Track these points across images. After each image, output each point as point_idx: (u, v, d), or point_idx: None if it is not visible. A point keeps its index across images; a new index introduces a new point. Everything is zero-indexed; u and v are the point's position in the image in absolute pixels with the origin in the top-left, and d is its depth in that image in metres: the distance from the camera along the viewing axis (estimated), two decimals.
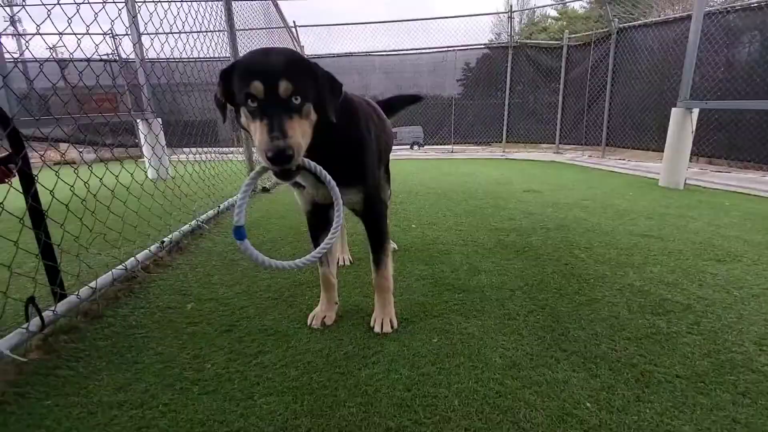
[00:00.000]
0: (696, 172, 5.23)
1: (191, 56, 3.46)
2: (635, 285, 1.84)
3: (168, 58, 3.29)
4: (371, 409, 1.09)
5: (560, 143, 8.17)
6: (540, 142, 8.59)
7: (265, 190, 4.47)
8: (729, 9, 5.32)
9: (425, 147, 9.40)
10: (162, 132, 4.96)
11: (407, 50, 9.03)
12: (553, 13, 20.10)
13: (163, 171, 4.15)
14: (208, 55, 3.73)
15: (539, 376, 1.22)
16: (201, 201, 3.21)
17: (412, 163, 6.92)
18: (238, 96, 1.06)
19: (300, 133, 1.04)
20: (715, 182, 4.57)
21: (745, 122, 5.33)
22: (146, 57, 4.00)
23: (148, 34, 3.10)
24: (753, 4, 5.16)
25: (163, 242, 2.35)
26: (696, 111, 4.21)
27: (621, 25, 6.75)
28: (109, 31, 5.95)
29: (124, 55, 7.65)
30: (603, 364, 1.27)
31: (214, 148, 4.20)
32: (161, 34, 2.95)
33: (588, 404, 1.10)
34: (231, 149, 5.00)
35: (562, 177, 5.16)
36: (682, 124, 4.26)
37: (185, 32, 3.23)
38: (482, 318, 1.57)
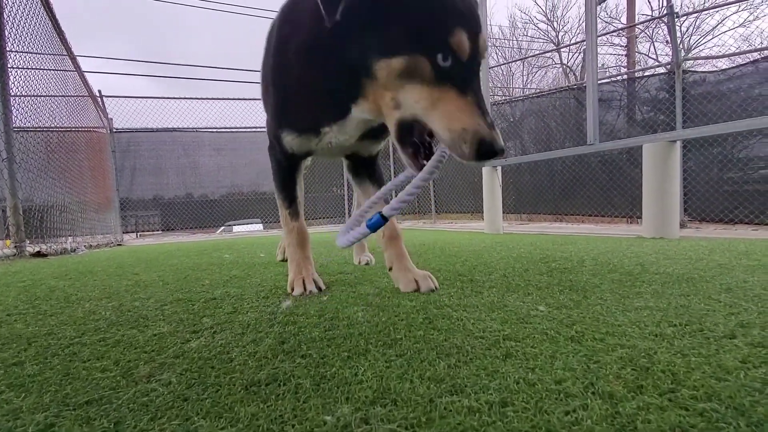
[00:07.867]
0: (506, 225, 6.22)
1: None
2: (512, 255, 1.81)
3: None
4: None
5: (399, 214, 8.82)
6: None
7: (39, 254, 3.17)
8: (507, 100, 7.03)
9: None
10: None
11: (243, 128, 8.18)
12: None
13: None
14: None
15: (475, 300, 0.94)
16: None
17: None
18: (417, 39, 0.70)
19: None
20: (521, 229, 5.48)
21: (524, 184, 6.78)
22: None
23: None
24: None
25: None
26: (500, 168, 5.12)
27: None
28: None
29: None
30: (530, 287, 1.08)
31: None
32: None
33: (541, 308, 0.86)
34: None
35: (406, 234, 5.43)
36: (491, 181, 5.09)
37: None
38: (381, 281, 1.23)
